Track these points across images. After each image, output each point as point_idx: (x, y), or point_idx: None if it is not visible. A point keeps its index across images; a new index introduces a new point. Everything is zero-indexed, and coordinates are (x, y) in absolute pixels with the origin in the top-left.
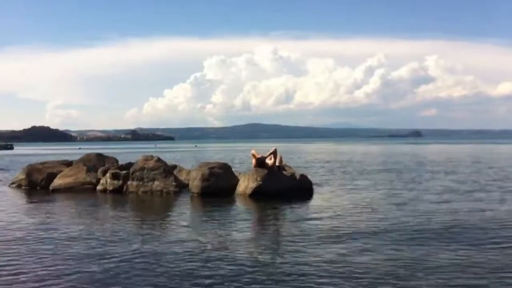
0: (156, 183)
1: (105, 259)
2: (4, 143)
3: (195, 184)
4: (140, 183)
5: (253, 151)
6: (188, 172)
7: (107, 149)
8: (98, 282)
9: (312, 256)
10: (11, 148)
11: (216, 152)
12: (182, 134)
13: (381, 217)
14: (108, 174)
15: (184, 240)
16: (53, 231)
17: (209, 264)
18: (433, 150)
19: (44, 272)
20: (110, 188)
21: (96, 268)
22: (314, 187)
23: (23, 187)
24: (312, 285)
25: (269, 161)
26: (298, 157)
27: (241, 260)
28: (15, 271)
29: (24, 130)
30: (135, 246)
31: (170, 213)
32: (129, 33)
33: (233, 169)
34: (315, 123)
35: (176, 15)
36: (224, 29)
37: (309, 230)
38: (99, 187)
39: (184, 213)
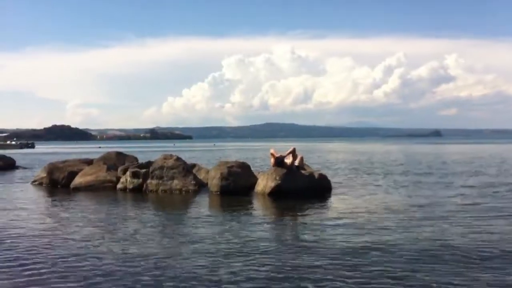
0: (176, 181)
1: (127, 259)
2: (26, 141)
3: (214, 182)
4: (160, 181)
5: (272, 150)
6: (207, 171)
7: (127, 148)
8: (121, 279)
9: (330, 259)
10: (32, 146)
11: (234, 151)
12: (200, 133)
13: (404, 225)
14: (128, 173)
15: (203, 238)
16: (73, 229)
17: (227, 261)
18: (457, 150)
19: (62, 270)
20: (130, 186)
21: (116, 267)
22: (333, 186)
23: (44, 185)
24: None
25: (288, 160)
26: (318, 156)
27: (260, 259)
28: (33, 268)
29: (45, 129)
30: (154, 245)
31: (189, 212)
32: (145, 34)
33: (251, 168)
34: (333, 122)
35: (193, 14)
36: (242, 29)
37: (327, 233)
38: (119, 186)
39: (203, 211)
